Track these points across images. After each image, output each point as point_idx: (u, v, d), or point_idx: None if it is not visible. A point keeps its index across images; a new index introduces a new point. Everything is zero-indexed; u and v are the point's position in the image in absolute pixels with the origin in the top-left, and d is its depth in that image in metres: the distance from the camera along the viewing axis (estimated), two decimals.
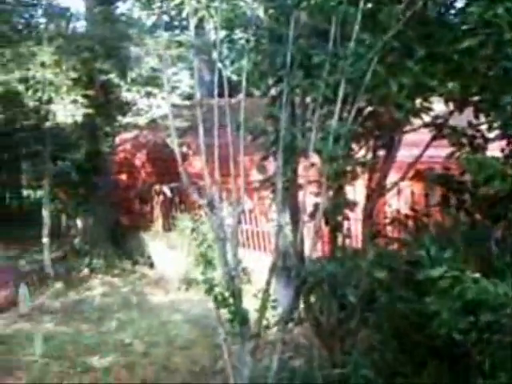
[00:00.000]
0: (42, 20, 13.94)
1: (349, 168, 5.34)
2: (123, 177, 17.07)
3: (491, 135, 5.66)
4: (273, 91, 5.80)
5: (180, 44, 12.92)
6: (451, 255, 4.71)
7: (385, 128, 5.84)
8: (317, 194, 5.24)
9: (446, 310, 4.57)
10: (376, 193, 5.96)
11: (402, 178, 6.08)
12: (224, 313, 5.26)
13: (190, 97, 16.03)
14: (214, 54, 6.26)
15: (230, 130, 5.75)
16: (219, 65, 6.28)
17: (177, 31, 14.76)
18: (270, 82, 5.81)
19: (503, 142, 5.55)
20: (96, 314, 10.88)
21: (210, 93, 6.43)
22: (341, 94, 5.09)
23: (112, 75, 13.07)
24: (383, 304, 5.23)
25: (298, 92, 5.62)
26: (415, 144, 6.16)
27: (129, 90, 13.92)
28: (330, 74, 5.11)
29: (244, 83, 5.79)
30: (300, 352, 6.59)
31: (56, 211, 15.66)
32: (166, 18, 15.99)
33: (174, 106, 14.01)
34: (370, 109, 5.69)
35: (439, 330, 4.63)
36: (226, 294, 5.29)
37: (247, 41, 6.03)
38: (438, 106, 5.78)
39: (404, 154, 6.15)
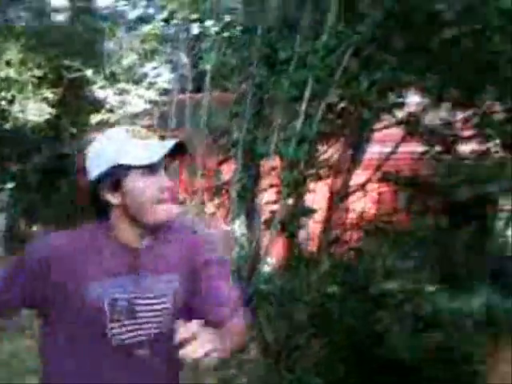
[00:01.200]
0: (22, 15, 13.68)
1: (312, 171, 5.00)
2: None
3: (467, 134, 5.40)
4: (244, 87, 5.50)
5: (156, 37, 12.66)
6: (410, 266, 4.49)
7: (354, 126, 5.52)
8: (275, 202, 4.86)
9: (398, 327, 4.37)
10: (339, 195, 5.60)
11: (368, 181, 5.73)
12: None
13: (167, 92, 15.75)
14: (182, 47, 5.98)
15: (189, 127, 5.45)
16: (185, 60, 6.02)
17: (158, 24, 14.41)
18: (240, 77, 5.54)
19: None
20: None
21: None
22: (307, 92, 4.73)
23: (85, 72, 12.75)
24: (335, 318, 4.95)
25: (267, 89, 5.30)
26: (387, 140, 5.87)
27: (103, 87, 13.57)
28: (298, 69, 4.80)
29: (208, 78, 5.53)
30: (244, 369, 6.08)
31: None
32: (150, 10, 15.68)
33: (150, 102, 13.75)
34: (342, 105, 5.40)
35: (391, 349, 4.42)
36: None
37: (217, 33, 5.79)
38: (414, 99, 5.54)
39: (374, 151, 5.86)
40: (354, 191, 5.71)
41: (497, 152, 5.35)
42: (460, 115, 5.29)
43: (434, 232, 5.57)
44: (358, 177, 5.73)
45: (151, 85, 14.45)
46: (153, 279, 2.39)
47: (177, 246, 2.48)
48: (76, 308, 2.31)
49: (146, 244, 2.40)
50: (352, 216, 6.15)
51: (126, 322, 2.34)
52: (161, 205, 2.33)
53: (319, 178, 5.16)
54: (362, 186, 5.70)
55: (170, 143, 2.32)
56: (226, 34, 5.76)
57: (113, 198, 2.34)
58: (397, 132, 5.64)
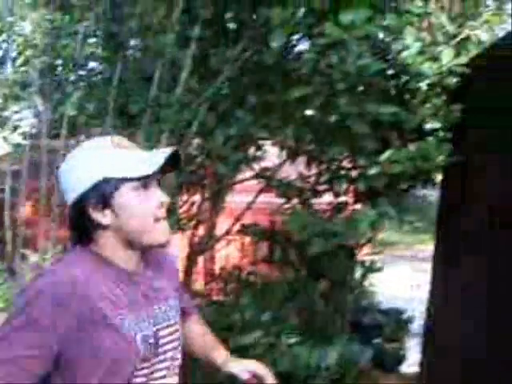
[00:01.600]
0: None
1: (172, 222, 4.94)
2: None
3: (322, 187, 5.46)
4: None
5: (14, 82, 12.40)
6: (269, 318, 4.47)
7: (213, 178, 5.50)
8: None
9: None
10: (201, 246, 5.58)
11: (228, 232, 5.68)
12: None
13: (32, 136, 15.42)
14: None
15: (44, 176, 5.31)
16: (45, 105, 5.92)
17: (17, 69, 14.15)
18: (98, 126, 5.44)
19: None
20: None
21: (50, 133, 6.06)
22: (162, 145, 4.57)
23: None
24: (194, 372, 4.87)
25: None
26: (249, 190, 5.87)
27: None
28: (152, 122, 4.71)
29: (65, 124, 5.43)
30: None
31: None
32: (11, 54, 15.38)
33: (16, 146, 13.41)
34: (200, 158, 5.37)
35: None
36: None
37: (73, 82, 5.71)
38: (275, 151, 5.57)
39: (236, 201, 5.84)
40: (217, 240, 5.68)
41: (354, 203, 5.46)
42: (314, 170, 5.35)
43: (293, 283, 5.57)
44: (224, 225, 5.68)
45: (15, 128, 14.10)
46: (165, 307, 2.13)
47: (165, 270, 2.25)
48: (100, 353, 1.91)
49: (143, 269, 2.13)
50: (215, 267, 6.11)
51: (154, 360, 2.02)
52: (159, 223, 2.04)
53: (180, 228, 5.06)
54: (225, 235, 5.67)
55: (163, 153, 2.02)
56: (85, 82, 5.70)
57: (103, 218, 2.00)
58: (256, 183, 5.66)
